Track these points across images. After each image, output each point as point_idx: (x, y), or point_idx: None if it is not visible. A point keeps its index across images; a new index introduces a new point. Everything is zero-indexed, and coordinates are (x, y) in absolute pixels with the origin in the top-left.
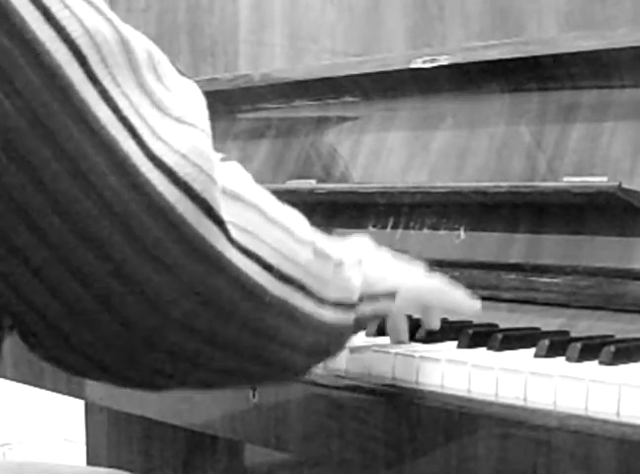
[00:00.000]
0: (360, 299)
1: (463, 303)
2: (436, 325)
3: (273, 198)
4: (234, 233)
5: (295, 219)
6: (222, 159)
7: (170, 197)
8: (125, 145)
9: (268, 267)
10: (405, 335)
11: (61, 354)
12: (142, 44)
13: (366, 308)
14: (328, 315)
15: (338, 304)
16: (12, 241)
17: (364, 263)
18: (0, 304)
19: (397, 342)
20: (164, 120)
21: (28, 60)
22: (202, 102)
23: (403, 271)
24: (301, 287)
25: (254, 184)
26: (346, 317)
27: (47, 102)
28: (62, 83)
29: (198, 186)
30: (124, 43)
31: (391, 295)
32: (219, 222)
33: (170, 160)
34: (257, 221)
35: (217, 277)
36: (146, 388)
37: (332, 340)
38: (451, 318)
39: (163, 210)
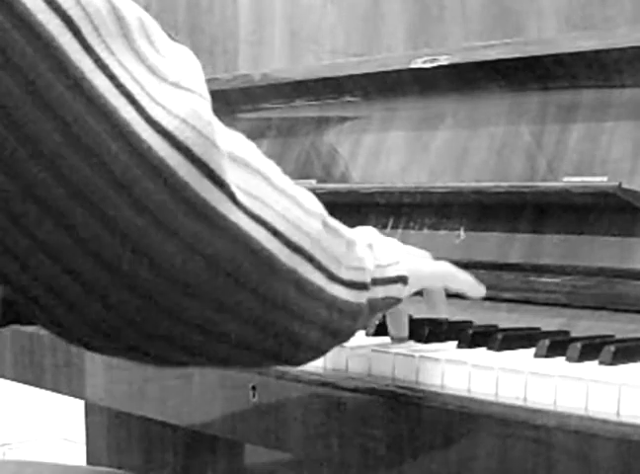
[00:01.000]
0: (373, 282)
1: (472, 286)
2: (443, 313)
3: (279, 170)
4: (240, 196)
5: (304, 193)
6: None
7: (171, 162)
8: (124, 112)
9: (275, 232)
10: (405, 331)
11: (73, 327)
12: (134, 12)
13: (379, 292)
14: (341, 292)
15: (351, 284)
16: (16, 215)
17: (375, 246)
18: (9, 281)
19: (397, 338)
20: (161, 86)
21: (21, 33)
22: (198, 67)
23: (412, 256)
24: (310, 259)
25: (259, 152)
26: (358, 298)
27: (44, 73)
28: (57, 54)
29: (198, 149)
30: (116, 12)
31: (403, 280)
32: (222, 185)
33: (170, 124)
34: (264, 188)
35: (223, 240)
36: (161, 363)
37: (346, 319)
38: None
39: (165, 175)
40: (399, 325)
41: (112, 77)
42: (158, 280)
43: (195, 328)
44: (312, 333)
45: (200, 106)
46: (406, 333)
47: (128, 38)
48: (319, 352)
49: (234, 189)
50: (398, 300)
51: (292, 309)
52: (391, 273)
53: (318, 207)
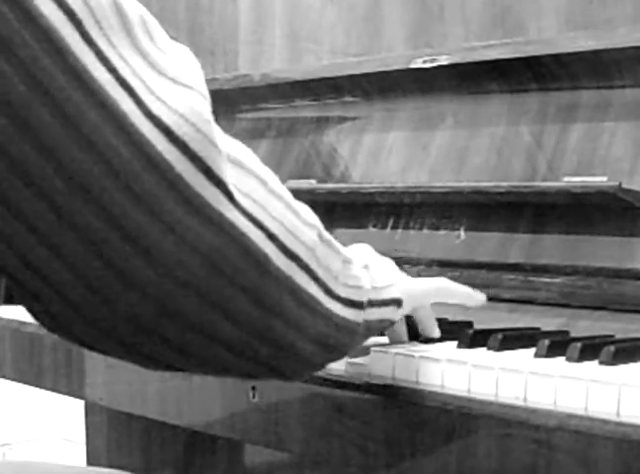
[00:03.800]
0: (369, 303)
1: (469, 297)
2: (435, 333)
3: (276, 177)
4: (237, 196)
5: (300, 204)
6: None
7: (168, 156)
8: (124, 105)
9: (271, 236)
10: (405, 336)
11: (69, 322)
12: (135, 9)
13: (374, 313)
14: (338, 309)
15: (348, 301)
16: (15, 205)
17: (372, 268)
18: (6, 272)
19: (397, 342)
20: (161, 81)
21: (23, 24)
22: (198, 66)
23: (407, 278)
24: (307, 269)
25: (257, 158)
26: (355, 316)
27: (45, 65)
28: (58, 45)
29: (195, 145)
30: (118, 7)
31: (397, 303)
32: (218, 183)
33: (168, 119)
34: (261, 191)
35: (218, 237)
36: (156, 365)
37: (342, 336)
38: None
39: (162, 169)
40: (398, 332)
41: (112, 70)
42: (153, 274)
43: (190, 327)
44: (307, 345)
45: (200, 104)
46: (406, 337)
47: (130, 33)
48: (313, 366)
49: (231, 188)
50: (392, 323)
51: (288, 317)
52: (386, 295)
53: (314, 219)
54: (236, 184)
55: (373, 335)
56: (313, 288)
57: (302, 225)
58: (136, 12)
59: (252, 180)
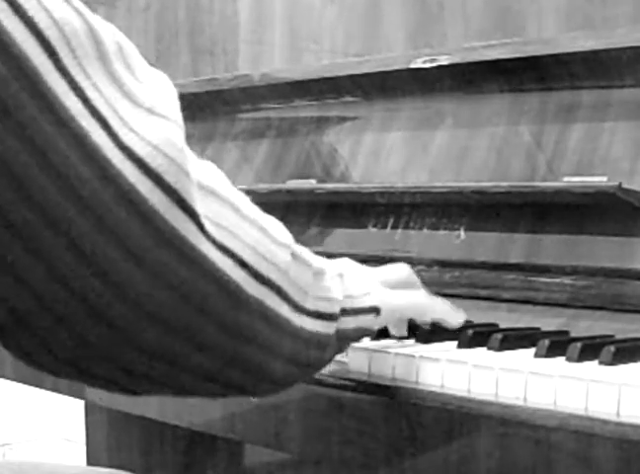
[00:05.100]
0: (342, 312)
1: (448, 316)
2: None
3: (248, 199)
4: (208, 227)
5: (272, 222)
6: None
7: (142, 189)
8: (96, 136)
9: (243, 264)
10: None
11: (35, 351)
12: (112, 36)
13: (349, 322)
14: (307, 323)
15: (317, 314)
16: None
17: (347, 277)
18: None
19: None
20: (135, 112)
21: None
22: (174, 94)
23: (386, 288)
24: (278, 290)
25: (229, 182)
26: (326, 328)
27: (15, 93)
28: (30, 74)
29: (169, 177)
30: (94, 35)
31: (375, 311)
32: (192, 214)
33: (141, 151)
34: (233, 218)
35: (191, 270)
36: (123, 391)
37: (312, 350)
38: None
39: (135, 202)
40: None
41: (85, 100)
42: (124, 308)
43: (160, 358)
44: (277, 365)
45: (174, 133)
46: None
47: (105, 61)
48: (285, 383)
49: (203, 219)
50: (371, 331)
51: (258, 341)
52: (362, 303)
53: (287, 237)
54: (207, 213)
55: (351, 342)
56: (284, 309)
57: (275, 247)
58: (113, 39)
59: (223, 207)
